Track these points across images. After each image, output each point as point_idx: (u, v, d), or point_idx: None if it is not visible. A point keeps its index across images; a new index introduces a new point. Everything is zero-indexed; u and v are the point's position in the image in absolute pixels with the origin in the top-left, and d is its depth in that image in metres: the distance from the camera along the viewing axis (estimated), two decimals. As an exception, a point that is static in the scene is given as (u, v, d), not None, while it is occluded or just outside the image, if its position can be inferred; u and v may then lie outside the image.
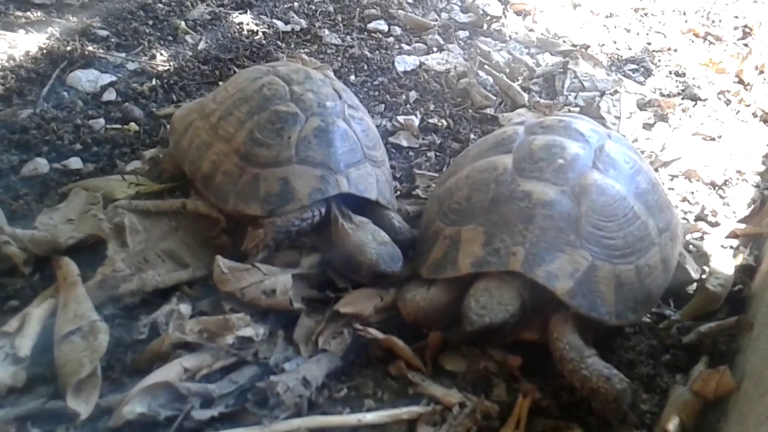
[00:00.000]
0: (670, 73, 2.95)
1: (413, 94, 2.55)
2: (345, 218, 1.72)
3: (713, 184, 2.23)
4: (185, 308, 1.51)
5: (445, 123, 2.40)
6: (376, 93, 2.54)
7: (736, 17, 3.59)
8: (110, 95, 2.28)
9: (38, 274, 1.61)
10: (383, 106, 2.47)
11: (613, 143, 1.74)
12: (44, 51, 2.45)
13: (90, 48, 2.51)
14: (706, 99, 2.73)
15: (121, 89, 2.31)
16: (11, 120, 2.07)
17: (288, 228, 1.66)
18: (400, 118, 2.37)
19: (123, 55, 2.53)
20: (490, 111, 2.49)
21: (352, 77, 2.62)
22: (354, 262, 1.65)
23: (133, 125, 2.14)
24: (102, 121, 2.13)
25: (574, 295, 1.45)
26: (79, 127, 2.09)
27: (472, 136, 2.33)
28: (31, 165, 1.89)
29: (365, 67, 2.69)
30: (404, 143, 2.28)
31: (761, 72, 2.95)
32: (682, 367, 1.52)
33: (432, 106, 2.49)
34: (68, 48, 2.47)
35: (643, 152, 2.32)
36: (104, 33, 2.64)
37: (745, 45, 3.30)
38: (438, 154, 2.25)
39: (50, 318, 1.47)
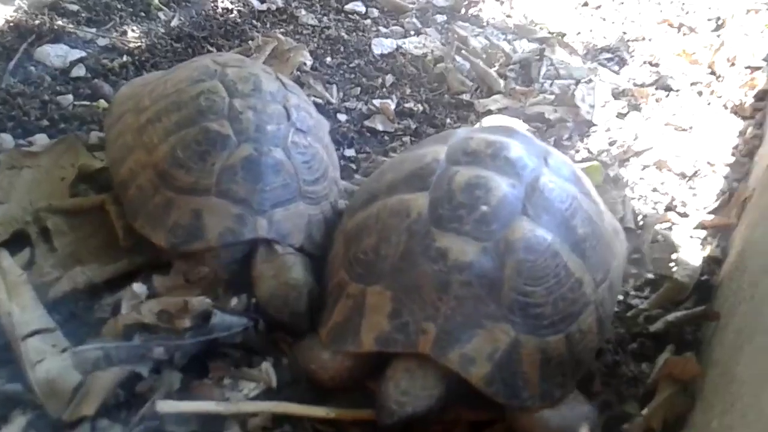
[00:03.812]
0: (644, 62, 2.96)
1: (389, 78, 2.53)
2: (266, 253, 1.56)
3: (683, 175, 2.25)
4: (139, 288, 1.48)
5: (421, 108, 2.40)
6: (353, 76, 2.52)
7: (710, 8, 3.62)
8: (79, 71, 2.23)
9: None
10: (359, 89, 2.45)
11: (549, 174, 1.50)
12: (11, 24, 2.38)
13: (59, 22, 2.44)
14: (678, 90, 2.75)
15: (91, 65, 2.26)
16: None
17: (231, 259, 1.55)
18: (376, 102, 2.36)
19: (93, 30, 2.46)
20: (466, 97, 2.49)
21: (328, 59, 2.59)
22: (280, 292, 1.50)
23: (102, 102, 2.10)
24: (70, 97, 2.09)
25: (492, 382, 1.28)
26: (47, 103, 2.05)
27: (448, 121, 2.34)
28: (-5, 141, 1.85)
29: (342, 49, 2.66)
30: (380, 127, 2.27)
31: (732, 64, 2.97)
32: (648, 356, 1.55)
33: (408, 91, 2.48)
34: (37, 22, 2.40)
35: (615, 142, 2.34)
36: (74, 7, 2.56)
37: (718, 36, 3.33)
38: (413, 138, 2.24)
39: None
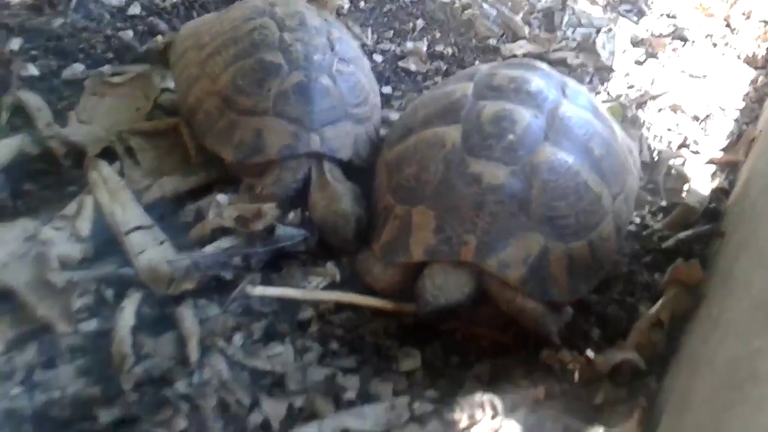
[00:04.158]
0: (662, 14, 3.09)
1: (420, 23, 2.68)
2: (329, 173, 1.74)
3: (696, 117, 2.40)
4: (222, 197, 1.67)
5: (450, 51, 2.55)
6: (385, 19, 2.68)
7: (728, -37, 3.72)
8: (135, 9, 2.39)
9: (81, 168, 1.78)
10: (392, 32, 2.61)
11: (567, 103, 1.66)
12: (70, -36, 2.54)
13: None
14: (694, 41, 2.89)
15: (145, 4, 2.43)
16: (45, 28, 2.20)
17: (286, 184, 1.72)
18: (409, 44, 2.52)
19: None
20: (492, 42, 2.64)
21: (362, 3, 2.74)
22: (330, 219, 1.67)
23: (159, 38, 2.26)
24: (130, 33, 2.26)
25: (527, 282, 1.46)
26: (110, 38, 2.22)
27: (476, 62, 2.49)
28: (69, 70, 2.03)
29: (375, -6, 2.81)
30: (413, 68, 2.43)
31: (748, 17, 3.10)
32: (660, 267, 1.72)
33: (438, 35, 2.63)
34: (94, -38, 2.55)
35: (633, 87, 2.49)
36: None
37: (734, -9, 3.44)
38: (444, 78, 2.40)
39: (99, 208, 1.65)
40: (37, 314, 1.41)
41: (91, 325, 1.44)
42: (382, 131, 1.97)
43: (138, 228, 1.59)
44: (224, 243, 1.60)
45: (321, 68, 1.80)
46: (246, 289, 1.48)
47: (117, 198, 1.64)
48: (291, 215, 1.69)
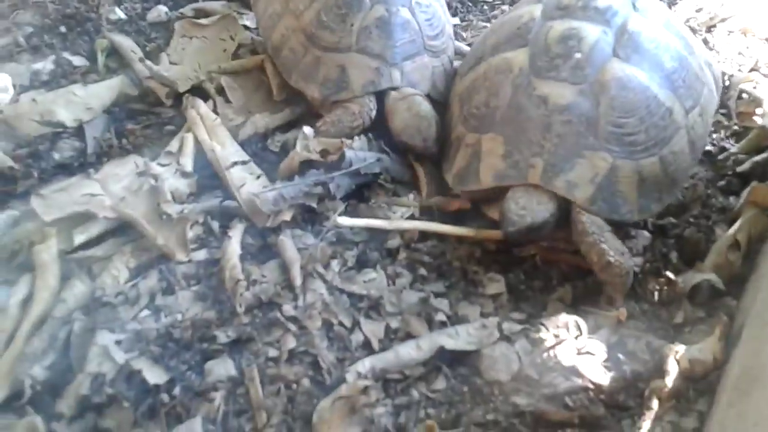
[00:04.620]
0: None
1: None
2: (398, 94, 1.80)
3: (767, 40, 2.37)
4: (309, 130, 1.74)
5: (515, -22, 2.54)
6: (450, -51, 2.66)
7: None
8: None
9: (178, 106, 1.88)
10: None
11: (637, 17, 1.64)
12: None
13: None
14: (765, -41, 2.80)
15: None
16: None
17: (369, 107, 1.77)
18: (474, -26, 2.51)
19: None
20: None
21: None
22: (413, 122, 1.74)
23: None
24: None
25: (595, 201, 1.48)
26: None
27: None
28: (154, 12, 2.11)
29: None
30: (481, -4, 2.44)
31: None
32: (735, 191, 1.75)
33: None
34: None
35: (701, 10, 2.45)
36: None
37: None
38: (511, 6, 2.40)
39: (198, 144, 1.75)
40: (157, 243, 1.53)
41: (201, 255, 1.56)
42: (456, 63, 2.01)
43: (236, 163, 1.69)
44: (308, 174, 1.69)
45: (400, 2, 1.84)
46: (336, 221, 1.57)
47: (215, 135, 1.74)
48: (356, 142, 1.75)
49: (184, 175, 1.65)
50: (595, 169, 1.49)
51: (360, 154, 1.72)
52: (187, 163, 1.68)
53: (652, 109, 1.53)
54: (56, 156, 1.77)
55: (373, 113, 1.79)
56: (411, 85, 1.81)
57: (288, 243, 1.56)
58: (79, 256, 1.51)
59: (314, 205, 1.65)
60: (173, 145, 1.73)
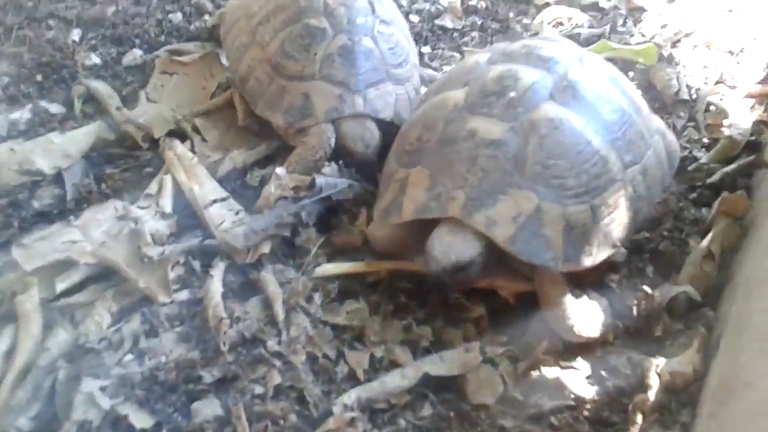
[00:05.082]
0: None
1: (451, -20, 2.72)
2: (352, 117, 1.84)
3: (731, 52, 2.42)
4: (281, 170, 1.77)
5: (484, 5, 2.60)
6: (418, -21, 2.72)
7: None
8: None
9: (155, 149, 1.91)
10: (426, -10, 2.66)
11: (582, 69, 1.61)
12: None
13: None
14: (723, -25, 2.88)
15: None
16: (100, 17, 2.33)
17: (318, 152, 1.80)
18: (444, 2, 2.57)
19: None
20: (524, -8, 2.67)
21: (393, -35, 2.78)
22: (359, 132, 1.82)
23: (207, 17, 2.35)
24: (179, 15, 2.35)
25: (515, 241, 1.40)
26: (161, 21, 2.33)
27: (510, 14, 2.54)
28: (129, 56, 2.15)
29: (405, -45, 2.84)
30: (449, 24, 2.50)
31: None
32: (707, 203, 1.78)
33: (470, -10, 2.68)
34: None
35: (666, 26, 2.51)
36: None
37: None
38: (481, 33, 2.46)
39: (178, 185, 1.78)
40: (139, 286, 1.54)
41: (184, 295, 1.57)
42: (423, 88, 2.05)
43: (215, 201, 1.71)
44: (278, 206, 1.71)
45: (364, 30, 1.89)
46: (318, 272, 1.59)
47: (193, 175, 1.77)
48: (327, 168, 1.78)
49: (164, 216, 1.67)
50: (519, 208, 1.43)
51: (330, 180, 1.76)
52: (167, 204, 1.70)
53: (584, 154, 1.48)
54: (36, 204, 1.78)
55: (332, 141, 1.83)
56: (373, 112, 1.85)
57: (269, 278, 1.58)
58: (61, 304, 1.52)
59: (288, 235, 1.67)
60: (152, 188, 1.75)
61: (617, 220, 1.50)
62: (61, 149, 1.88)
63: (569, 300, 1.46)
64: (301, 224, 1.69)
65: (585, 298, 1.49)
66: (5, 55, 2.26)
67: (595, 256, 1.47)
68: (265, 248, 1.62)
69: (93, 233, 1.63)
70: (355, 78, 1.84)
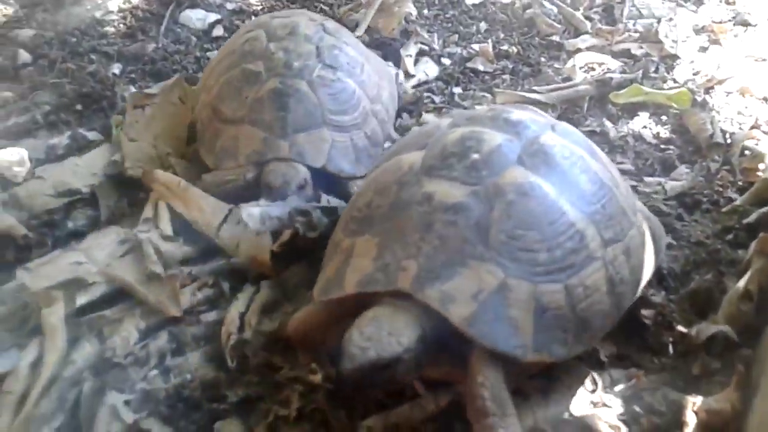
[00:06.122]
0: (721, 1, 3.11)
1: (483, 25, 2.79)
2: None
3: (765, 99, 2.42)
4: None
5: (515, 49, 2.63)
6: (449, 24, 2.79)
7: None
8: (218, 31, 2.61)
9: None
10: (457, 35, 2.71)
11: (554, 135, 1.44)
12: (155, -6, 2.74)
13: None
14: (756, 24, 2.90)
15: (227, 26, 2.62)
16: (140, 53, 2.40)
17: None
18: (475, 46, 2.61)
19: (222, -4, 2.81)
20: (555, 38, 2.71)
21: (425, 11, 2.85)
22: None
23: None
24: (216, 53, 2.40)
25: (475, 323, 1.18)
26: (199, 59, 2.40)
27: (541, 59, 2.57)
28: (166, 87, 2.19)
29: (436, 2, 2.92)
30: (480, 68, 2.53)
31: (809, -2, 3.09)
32: (742, 244, 1.75)
33: (501, 35, 2.73)
34: (176, -10, 2.75)
35: (699, 72, 2.52)
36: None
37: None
38: (512, 77, 2.48)
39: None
40: (149, 301, 1.55)
41: (211, 316, 1.57)
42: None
43: (222, 223, 1.68)
44: (291, 200, 1.72)
45: (299, 74, 1.86)
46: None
47: (188, 200, 1.74)
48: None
49: (167, 239, 1.67)
50: (481, 283, 1.21)
51: (325, 197, 1.77)
52: (166, 228, 1.69)
53: (558, 226, 1.29)
54: (70, 225, 1.81)
55: (250, 175, 1.80)
56: (298, 157, 1.80)
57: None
58: (88, 319, 1.52)
59: (300, 230, 1.64)
60: (148, 211, 1.74)
61: (597, 306, 1.30)
62: (86, 170, 1.91)
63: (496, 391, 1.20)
64: (310, 227, 1.65)
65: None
66: (48, 85, 2.33)
67: (570, 348, 1.26)
68: (285, 236, 1.61)
69: (97, 256, 1.63)
70: (282, 122, 1.80)
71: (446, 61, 2.57)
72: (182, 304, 1.56)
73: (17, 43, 2.55)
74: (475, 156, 1.34)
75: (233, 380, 1.43)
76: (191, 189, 1.76)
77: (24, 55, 2.46)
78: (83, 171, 1.92)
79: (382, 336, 1.15)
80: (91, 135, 2.10)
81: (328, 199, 1.72)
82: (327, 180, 1.85)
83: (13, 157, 1.93)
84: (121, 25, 2.63)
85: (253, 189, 1.79)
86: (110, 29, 2.60)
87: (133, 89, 2.23)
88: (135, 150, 1.96)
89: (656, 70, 2.53)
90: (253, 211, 1.63)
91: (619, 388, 1.41)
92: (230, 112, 1.84)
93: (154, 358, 1.47)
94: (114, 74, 2.38)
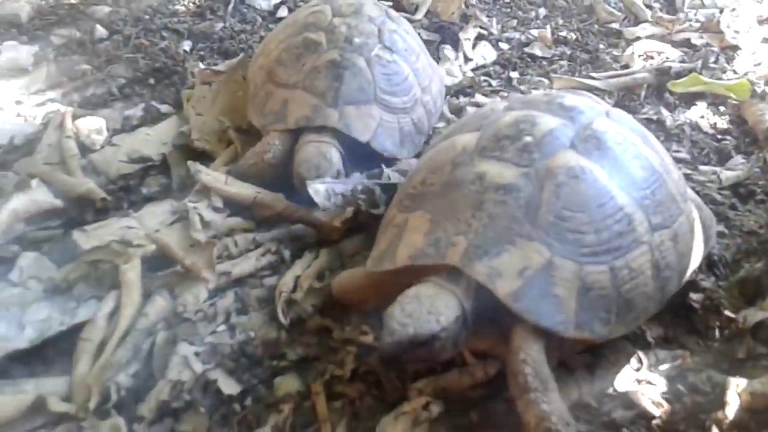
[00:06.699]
0: (787, -8, 3.05)
1: (542, 11, 2.83)
2: (316, 135, 1.82)
3: (831, 89, 2.39)
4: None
5: (573, 36, 2.66)
6: (509, 10, 2.84)
7: None
8: (283, 12, 2.70)
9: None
10: (515, 20, 2.75)
11: (608, 121, 1.47)
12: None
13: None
14: (821, 17, 2.85)
15: (291, 7, 2.71)
16: (209, 31, 2.52)
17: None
18: (533, 31, 2.64)
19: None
20: (615, 26, 2.72)
21: (485, -4, 2.89)
22: (315, 159, 1.77)
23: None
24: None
25: (520, 298, 1.22)
26: (263, 38, 2.46)
27: (600, 46, 2.58)
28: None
29: (498, -14, 2.95)
30: (538, 53, 2.56)
31: None
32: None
33: (560, 21, 2.76)
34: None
35: (760, 64, 2.49)
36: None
37: None
38: (569, 63, 2.51)
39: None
40: (185, 264, 1.62)
41: (273, 280, 1.66)
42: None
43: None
44: (353, 177, 1.79)
45: (359, 50, 1.91)
46: None
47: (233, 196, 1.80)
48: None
49: (216, 210, 1.75)
50: (527, 260, 1.26)
51: (386, 171, 1.79)
52: (216, 200, 1.77)
53: (606, 209, 1.32)
54: (144, 191, 1.93)
55: (276, 153, 1.84)
56: (347, 128, 1.83)
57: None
58: (162, 275, 1.63)
59: (363, 206, 1.68)
60: (200, 184, 1.80)
61: (641, 289, 1.34)
62: (157, 140, 2.03)
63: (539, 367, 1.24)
64: (372, 202, 1.69)
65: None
66: (122, 60, 2.46)
67: (612, 328, 1.30)
68: (349, 212, 1.67)
69: (148, 222, 1.72)
70: (335, 92, 1.84)
71: (504, 46, 2.61)
72: (232, 270, 1.65)
73: (94, 19, 2.69)
74: (528, 139, 1.38)
75: (292, 340, 1.52)
76: (237, 184, 1.83)
77: (100, 30, 2.60)
78: (154, 140, 2.04)
79: (422, 314, 1.20)
80: (164, 108, 2.22)
81: (389, 175, 1.77)
82: (365, 158, 1.87)
83: (93, 125, 2.05)
84: (191, 5, 2.75)
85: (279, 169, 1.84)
86: (181, 8, 2.73)
87: (201, 66, 2.32)
88: (201, 124, 2.07)
89: (716, 61, 2.51)
90: (318, 188, 1.68)
91: (664, 367, 1.45)
92: (285, 77, 1.90)
93: (221, 315, 1.56)
94: (184, 51, 2.49)
